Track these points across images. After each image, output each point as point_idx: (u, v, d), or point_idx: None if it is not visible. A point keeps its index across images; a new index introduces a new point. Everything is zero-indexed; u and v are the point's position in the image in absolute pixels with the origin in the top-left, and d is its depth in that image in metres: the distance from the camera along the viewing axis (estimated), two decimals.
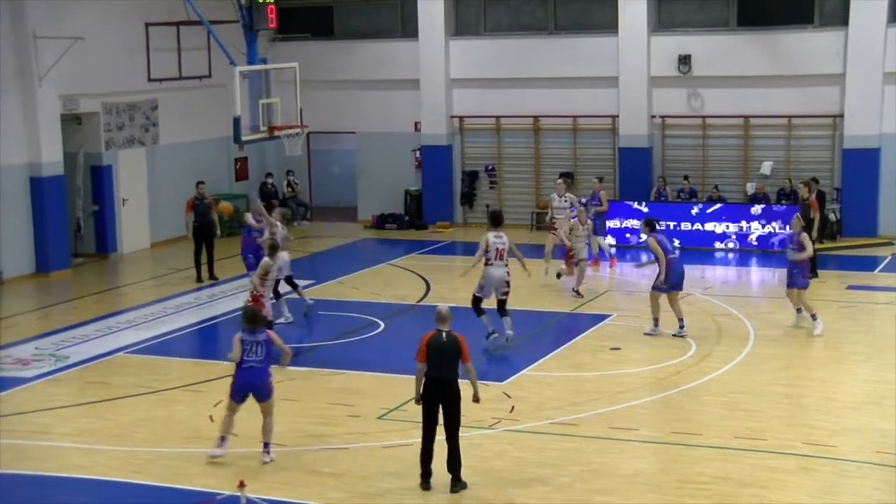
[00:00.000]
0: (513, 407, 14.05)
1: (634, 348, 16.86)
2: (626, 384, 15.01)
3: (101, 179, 24.74)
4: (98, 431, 13.55)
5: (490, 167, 27.88)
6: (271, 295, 16.65)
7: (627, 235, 24.37)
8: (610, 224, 24.32)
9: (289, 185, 29.28)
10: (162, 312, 19.67)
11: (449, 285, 20.74)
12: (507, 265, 16.50)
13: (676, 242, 23.17)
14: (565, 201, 21.28)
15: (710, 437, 12.87)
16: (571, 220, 20.72)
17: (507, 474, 11.99)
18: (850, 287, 20.43)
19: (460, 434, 11.58)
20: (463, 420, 11.65)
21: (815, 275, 18.14)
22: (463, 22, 27.92)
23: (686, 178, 25.71)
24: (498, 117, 27.56)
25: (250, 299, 16.01)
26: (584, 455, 12.40)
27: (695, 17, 26.20)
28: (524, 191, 27.63)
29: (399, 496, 11.43)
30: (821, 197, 23.32)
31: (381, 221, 28.09)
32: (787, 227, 21.16)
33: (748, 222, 23.92)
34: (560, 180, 22.27)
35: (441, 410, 11.45)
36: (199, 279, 21.94)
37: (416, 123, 28.17)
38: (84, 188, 24.58)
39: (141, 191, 25.75)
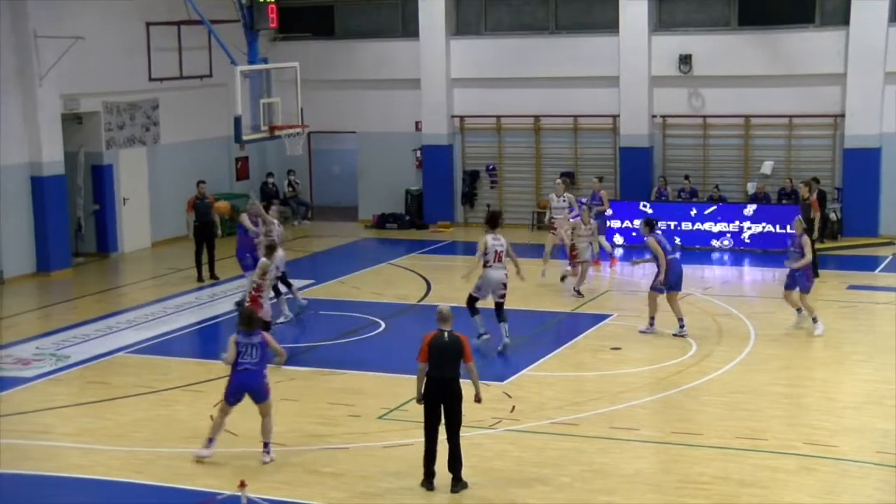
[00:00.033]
0: (513, 407, 14.05)
1: (635, 348, 16.86)
2: (627, 384, 15.01)
3: (101, 179, 24.75)
4: (98, 431, 13.55)
5: (491, 167, 27.88)
6: (271, 294, 16.61)
7: (634, 234, 24.36)
8: (616, 224, 24.35)
9: (290, 184, 29.28)
10: (162, 312, 19.68)
11: (450, 285, 20.73)
12: (505, 267, 16.50)
13: (678, 240, 23.38)
14: (564, 201, 21.26)
15: (710, 437, 12.86)
16: (573, 219, 20.71)
17: (507, 474, 11.99)
18: (851, 287, 20.42)
19: (461, 434, 11.58)
20: (463, 420, 11.64)
21: (815, 274, 18.11)
22: (464, 21, 27.91)
23: (687, 177, 25.71)
24: (499, 117, 27.56)
25: (248, 300, 16.01)
26: (584, 455, 12.40)
27: (695, 17, 26.19)
28: (525, 190, 27.63)
29: (399, 496, 11.42)
30: (821, 197, 23.33)
31: (381, 221, 28.08)
32: (788, 227, 21.18)
33: (742, 222, 23.90)
34: (559, 180, 22.25)
35: (442, 410, 11.45)
36: (199, 279, 21.95)
37: (416, 123, 28.17)
38: (85, 188, 24.59)
39: (142, 190, 25.76)
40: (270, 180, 29.08)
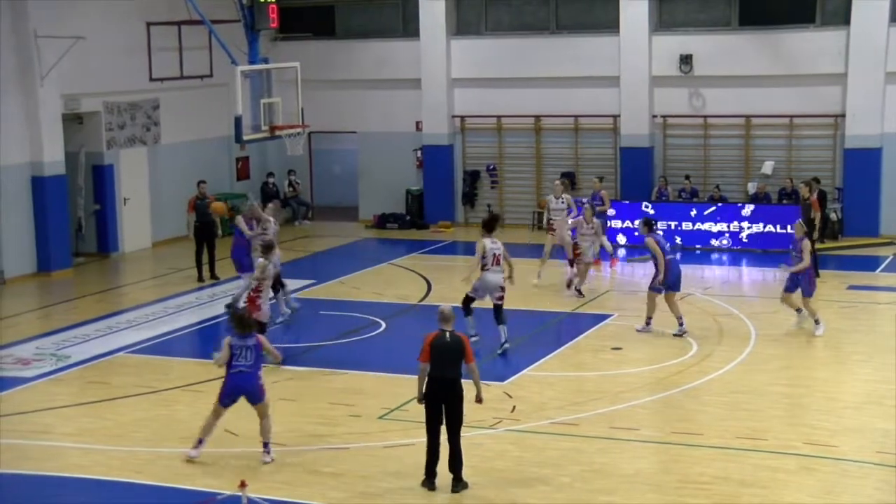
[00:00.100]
0: (514, 407, 14.05)
1: (635, 348, 16.86)
2: (627, 384, 15.01)
3: (102, 179, 24.75)
4: (98, 431, 13.55)
5: (491, 167, 27.88)
6: (270, 294, 16.57)
7: (636, 234, 24.33)
8: (618, 224, 24.33)
9: (290, 184, 29.28)
10: (163, 312, 19.67)
11: (450, 285, 20.72)
12: (503, 270, 16.51)
13: (678, 240, 23.38)
14: (562, 203, 21.20)
15: (711, 437, 12.86)
16: (574, 218, 20.70)
17: (508, 474, 11.99)
18: (851, 287, 20.42)
19: (461, 434, 11.57)
20: (464, 420, 11.63)
21: (816, 275, 18.11)
22: (464, 21, 27.91)
23: (687, 177, 25.71)
24: (499, 117, 27.56)
25: (246, 301, 16.00)
26: (585, 455, 12.40)
27: (696, 17, 26.19)
28: (525, 190, 27.62)
29: (400, 496, 11.42)
30: (822, 197, 23.33)
31: (382, 221, 28.08)
32: (789, 227, 21.19)
33: (742, 222, 23.90)
34: (558, 182, 22.19)
35: (443, 410, 11.45)
36: (200, 279, 21.95)
37: (417, 123, 28.17)
38: (85, 187, 24.60)
39: (142, 190, 25.76)
40: (271, 180, 29.09)
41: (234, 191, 28.18)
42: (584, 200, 22.67)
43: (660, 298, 17.35)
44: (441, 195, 28.02)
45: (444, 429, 11.49)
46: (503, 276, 16.44)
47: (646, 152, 26.28)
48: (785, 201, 24.44)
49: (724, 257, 23.74)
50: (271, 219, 19.40)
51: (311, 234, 27.74)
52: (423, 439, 11.65)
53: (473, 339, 16.30)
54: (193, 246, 22.18)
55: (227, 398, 12.25)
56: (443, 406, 11.42)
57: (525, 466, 12.16)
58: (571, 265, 21.02)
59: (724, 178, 25.93)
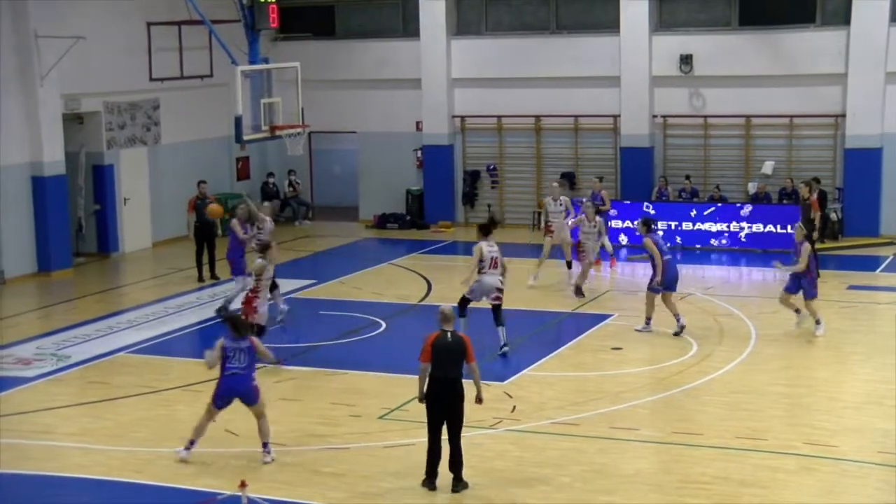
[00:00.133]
0: (514, 407, 14.05)
1: (635, 348, 16.86)
2: (628, 384, 15.01)
3: (102, 179, 24.75)
4: (99, 431, 13.56)
5: (491, 167, 27.88)
6: (268, 295, 16.52)
7: (638, 234, 24.31)
8: (618, 224, 24.32)
9: (290, 184, 29.28)
10: (163, 312, 19.67)
11: (450, 285, 20.70)
12: (500, 273, 16.53)
13: (678, 240, 23.37)
14: (560, 205, 21.15)
15: (711, 437, 12.86)
16: (574, 218, 20.66)
17: (508, 474, 11.99)
18: (852, 287, 20.42)
19: (462, 434, 11.57)
20: (464, 420, 11.63)
21: (817, 274, 18.10)
22: (464, 21, 27.91)
23: (688, 177, 25.71)
24: (499, 117, 27.56)
25: (243, 302, 15.99)
26: (585, 455, 12.40)
27: (696, 17, 26.19)
28: (525, 191, 27.62)
29: (400, 496, 11.43)
30: (822, 197, 23.33)
31: (382, 221, 28.08)
32: (790, 227, 21.18)
33: (742, 222, 23.91)
34: (556, 183, 22.13)
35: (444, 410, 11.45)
36: (200, 279, 21.94)
37: (417, 123, 28.17)
38: (86, 187, 24.59)
39: (142, 190, 25.76)
40: (271, 180, 29.10)
41: (235, 191, 28.17)
42: (584, 200, 22.69)
43: (658, 298, 17.35)
44: (441, 195, 28.02)
45: (444, 429, 11.49)
46: (500, 279, 16.47)
47: (646, 152, 26.28)
48: (785, 201, 24.44)
49: (725, 257, 23.73)
50: (267, 218, 19.41)
51: (312, 234, 27.74)
52: (424, 439, 11.66)
53: None
54: (194, 246, 22.17)
55: (220, 400, 12.25)
56: (445, 406, 11.41)
57: (525, 466, 12.16)
58: (570, 267, 21.01)
59: (724, 178, 25.93)
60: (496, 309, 16.39)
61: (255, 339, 12.41)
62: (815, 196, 21.52)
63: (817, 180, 23.07)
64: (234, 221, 19.24)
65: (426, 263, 23.41)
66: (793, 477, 11.74)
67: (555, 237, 20.91)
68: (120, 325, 18.88)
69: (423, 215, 28.06)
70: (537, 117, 27.26)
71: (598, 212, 21.20)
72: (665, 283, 17.26)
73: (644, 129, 26.21)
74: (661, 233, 17.99)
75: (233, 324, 12.36)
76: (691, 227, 24.22)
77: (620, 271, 22.38)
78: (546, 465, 12.15)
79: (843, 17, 24.77)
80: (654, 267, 17.29)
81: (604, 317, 18.55)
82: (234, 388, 12.17)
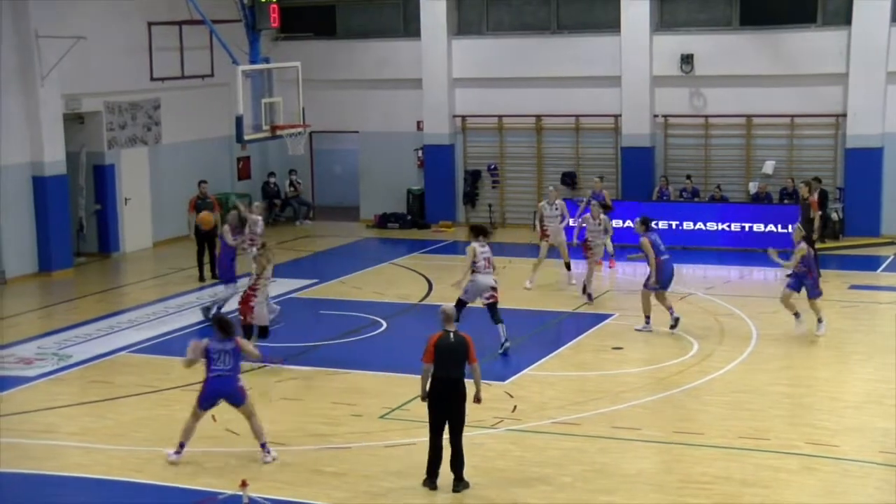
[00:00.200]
0: (515, 406, 14.05)
1: (636, 348, 16.87)
2: (628, 384, 15.01)
3: (103, 179, 24.76)
4: (100, 430, 13.56)
5: (492, 166, 27.87)
6: (267, 295, 16.48)
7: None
8: (619, 223, 24.29)
9: (291, 184, 29.28)
10: (164, 312, 19.67)
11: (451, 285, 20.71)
12: (493, 272, 16.56)
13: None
14: (556, 209, 21.08)
15: (712, 437, 12.86)
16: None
17: (509, 474, 11.99)
18: (853, 287, 20.42)
19: (463, 434, 11.57)
20: (466, 420, 11.63)
21: (818, 274, 18.09)
22: (465, 21, 27.91)
23: (688, 177, 25.70)
24: (500, 117, 27.56)
25: (240, 302, 15.98)
26: (586, 455, 12.40)
27: (697, 17, 26.19)
28: (526, 190, 27.60)
29: (402, 495, 11.43)
30: (823, 196, 23.32)
31: (383, 221, 28.08)
32: (790, 226, 21.14)
33: (743, 222, 23.91)
34: (552, 188, 22.04)
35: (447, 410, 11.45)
36: (201, 279, 21.94)
37: (418, 123, 28.17)
38: (86, 187, 24.60)
39: (143, 190, 25.77)
40: (272, 180, 29.11)
41: (236, 190, 28.18)
42: (584, 199, 22.73)
43: (652, 296, 17.40)
44: (442, 195, 28.02)
45: (445, 428, 11.49)
46: (494, 279, 16.51)
47: (647, 152, 26.27)
48: (786, 201, 24.43)
49: (726, 257, 23.72)
50: (258, 218, 19.41)
51: (313, 233, 27.74)
52: (424, 439, 11.66)
53: None
54: (194, 246, 22.17)
55: (206, 402, 12.25)
56: (447, 406, 11.40)
57: (526, 466, 12.16)
58: (568, 268, 20.98)
59: (725, 177, 25.92)
60: (492, 307, 16.41)
61: (240, 340, 12.37)
62: (815, 196, 21.50)
63: (818, 180, 23.06)
64: (226, 227, 19.13)
65: (427, 263, 23.41)
66: (794, 477, 11.74)
67: (551, 240, 20.89)
68: (121, 324, 18.88)
69: (423, 215, 28.06)
70: (538, 117, 27.26)
71: (605, 207, 21.10)
72: (660, 282, 17.30)
73: (645, 128, 26.21)
74: (654, 233, 17.92)
75: (219, 325, 12.35)
76: (692, 227, 24.22)
77: (621, 271, 22.36)
78: (547, 464, 12.14)
79: (843, 16, 24.76)
80: (649, 266, 17.35)
81: (604, 316, 18.55)
82: (220, 389, 12.17)
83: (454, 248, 25.29)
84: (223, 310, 17.79)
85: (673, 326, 17.29)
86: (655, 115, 26.27)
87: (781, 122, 25.37)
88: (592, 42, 26.55)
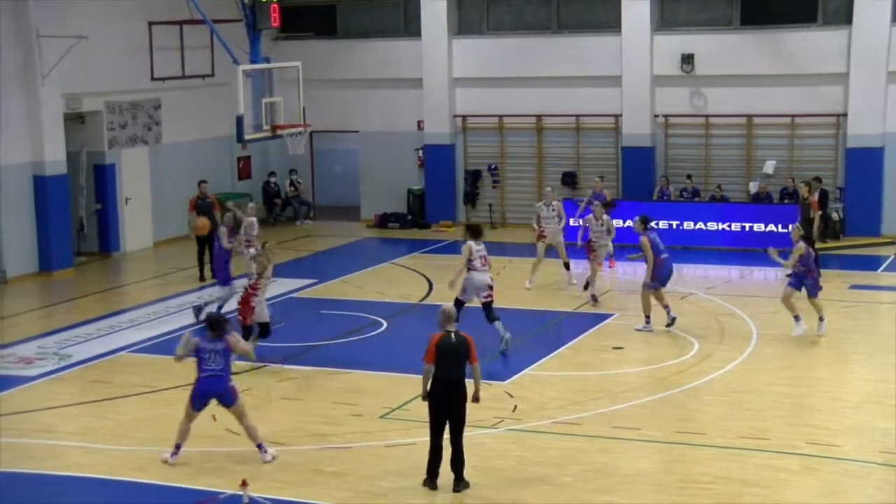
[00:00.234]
0: (515, 406, 14.04)
1: (636, 348, 16.87)
2: (629, 384, 15.01)
3: (104, 178, 24.77)
4: (100, 430, 13.56)
5: (493, 166, 27.88)
6: (266, 295, 16.45)
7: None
8: (620, 223, 24.26)
9: (292, 184, 29.29)
10: (164, 311, 19.68)
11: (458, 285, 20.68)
12: (489, 270, 16.60)
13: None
14: (553, 210, 21.04)
15: (713, 437, 12.86)
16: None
17: (509, 474, 11.99)
18: (853, 287, 20.41)
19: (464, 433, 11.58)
20: (466, 420, 11.63)
21: (818, 274, 18.08)
22: (466, 21, 27.91)
23: (689, 177, 25.70)
24: (501, 116, 27.56)
25: (240, 301, 15.96)
26: (586, 455, 12.40)
27: (698, 16, 26.19)
28: (527, 190, 27.60)
29: (402, 495, 11.43)
30: (824, 196, 23.32)
31: (383, 221, 28.08)
32: (790, 226, 21.12)
33: (744, 222, 23.91)
34: (549, 189, 22.01)
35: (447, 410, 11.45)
36: (201, 278, 21.94)
37: (418, 122, 28.17)
38: (87, 187, 24.60)
39: (144, 190, 25.77)
40: (273, 180, 29.11)
41: (236, 190, 28.19)
42: (584, 199, 22.73)
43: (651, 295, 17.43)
44: (442, 195, 28.03)
45: (445, 428, 11.49)
46: (490, 276, 16.54)
47: (647, 152, 26.27)
48: (787, 201, 24.43)
49: (726, 257, 23.71)
50: (253, 219, 19.42)
51: (313, 233, 27.74)
52: (425, 438, 11.66)
53: None
54: (195, 245, 22.18)
55: (198, 401, 12.25)
56: (448, 406, 11.40)
57: (526, 466, 12.16)
58: (567, 268, 20.96)
59: (725, 177, 25.92)
60: (487, 306, 16.43)
61: (231, 339, 12.32)
62: (815, 196, 21.50)
63: (819, 180, 23.06)
64: (222, 230, 19.12)
65: (427, 263, 23.41)
66: (795, 477, 11.73)
67: (548, 240, 20.88)
68: (121, 324, 18.89)
69: (424, 215, 28.06)
70: (538, 117, 27.26)
71: (608, 205, 21.07)
72: (659, 280, 17.36)
73: (645, 128, 26.21)
74: (653, 231, 17.93)
75: (210, 324, 12.35)
76: (693, 227, 24.22)
77: (621, 271, 22.35)
78: (547, 464, 12.14)
79: (844, 16, 24.76)
80: (647, 265, 17.37)
81: (604, 316, 18.55)
82: (211, 389, 12.18)
83: (455, 248, 25.24)
84: (222, 311, 17.78)
85: (669, 325, 17.33)
86: (656, 115, 26.27)
87: (782, 121, 25.37)
88: (593, 42, 26.55)
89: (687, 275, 21.47)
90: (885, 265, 22.36)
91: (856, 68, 24.45)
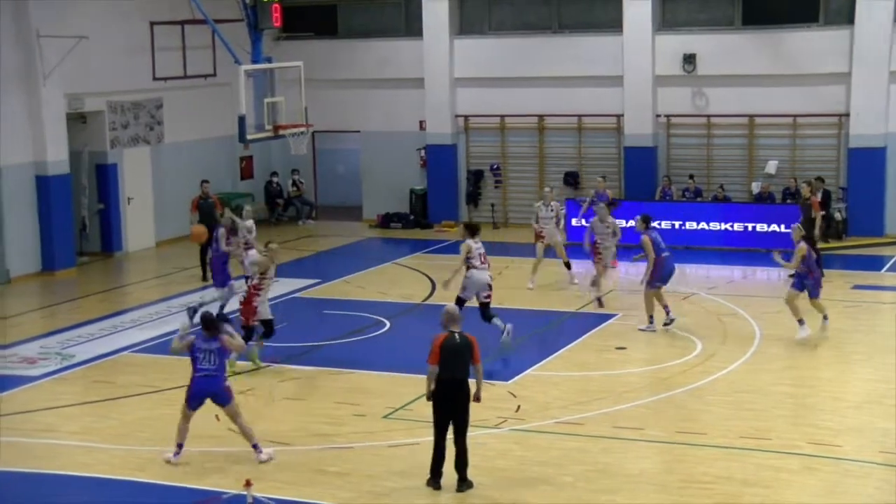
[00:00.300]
0: (518, 406, 14.05)
1: (639, 348, 16.87)
2: (631, 384, 15.01)
3: (106, 178, 24.79)
4: (103, 430, 13.57)
5: (495, 166, 27.88)
6: (270, 296, 16.45)
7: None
8: (623, 223, 24.24)
9: (294, 184, 29.30)
10: (167, 311, 19.68)
11: (454, 284, 20.67)
12: (489, 268, 16.64)
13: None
14: (551, 210, 21.02)
15: (714, 437, 12.86)
16: (591, 218, 20.55)
17: (512, 473, 11.99)
18: (856, 287, 20.41)
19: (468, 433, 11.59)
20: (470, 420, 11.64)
21: (820, 274, 18.08)
22: (467, 21, 27.91)
23: (691, 177, 25.70)
24: (502, 116, 27.56)
25: (242, 302, 15.97)
26: (588, 455, 12.40)
27: (699, 16, 26.19)
28: (529, 190, 27.58)
29: (405, 495, 11.43)
30: (826, 196, 23.31)
31: (386, 220, 28.09)
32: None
33: (744, 222, 23.91)
34: (548, 189, 22.01)
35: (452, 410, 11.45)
36: (204, 278, 21.90)
37: (420, 122, 28.17)
38: (89, 187, 24.62)
39: (146, 189, 25.79)
40: (275, 180, 29.13)
41: (238, 190, 28.20)
42: (586, 199, 22.71)
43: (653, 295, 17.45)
44: (445, 195, 28.03)
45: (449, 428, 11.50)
46: (490, 275, 16.58)
47: (649, 152, 26.27)
48: (789, 201, 24.42)
49: (729, 257, 23.71)
50: (251, 222, 19.44)
51: (315, 233, 27.75)
52: (428, 438, 11.67)
53: None
54: (197, 246, 22.15)
55: (193, 401, 12.26)
56: (453, 407, 11.40)
57: (529, 466, 12.16)
58: (568, 267, 20.95)
59: (727, 177, 25.92)
60: (485, 306, 16.44)
61: (224, 338, 12.33)
62: (817, 196, 21.49)
63: (821, 180, 23.06)
64: (221, 231, 19.10)
65: (430, 263, 23.41)
66: (795, 477, 11.74)
67: (546, 241, 20.88)
68: (124, 324, 18.90)
69: (426, 215, 28.07)
70: (540, 117, 27.27)
71: (612, 204, 21.05)
72: (661, 278, 17.41)
73: (647, 128, 26.21)
74: (654, 231, 17.94)
75: (204, 324, 12.36)
76: (695, 227, 24.22)
77: (624, 271, 22.35)
78: (549, 464, 12.15)
79: (846, 16, 24.76)
80: (648, 264, 17.39)
81: (607, 316, 18.55)
82: (206, 388, 12.19)
83: (457, 248, 25.18)
84: (224, 311, 17.78)
85: (667, 324, 17.35)
86: (658, 115, 26.26)
87: (784, 121, 25.36)
88: (594, 42, 26.55)
89: (689, 275, 21.48)
90: (888, 265, 22.35)
91: (858, 68, 24.44)
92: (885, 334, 17.16)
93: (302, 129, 21.28)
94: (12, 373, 16.09)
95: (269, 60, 21.35)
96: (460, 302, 16.45)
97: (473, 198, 27.98)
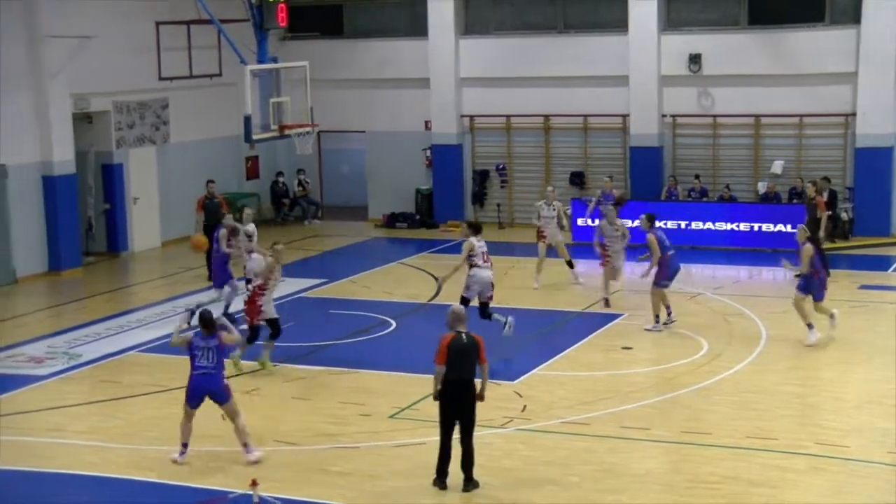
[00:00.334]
0: (524, 406, 14.05)
1: (645, 348, 16.86)
2: (637, 384, 15.01)
3: (112, 178, 24.81)
4: (110, 430, 13.60)
5: (501, 166, 27.88)
6: (274, 296, 16.44)
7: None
8: (628, 223, 24.23)
9: (300, 183, 29.32)
10: (172, 311, 19.67)
11: (460, 285, 20.66)
12: (492, 267, 16.68)
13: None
14: (553, 210, 21.00)
15: (720, 437, 12.86)
16: (590, 216, 20.53)
17: (518, 473, 11.99)
18: (863, 287, 20.37)
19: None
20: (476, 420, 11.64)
21: (827, 273, 18.06)
22: (472, 21, 27.91)
23: (697, 177, 25.68)
24: (508, 116, 27.55)
25: (246, 302, 15.96)
26: (595, 454, 12.40)
27: (705, 16, 26.16)
28: (535, 190, 27.50)
29: (410, 495, 11.44)
30: (833, 196, 23.27)
31: (391, 220, 28.09)
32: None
33: (753, 222, 23.90)
34: (550, 188, 22.00)
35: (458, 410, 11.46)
36: (209, 278, 21.92)
37: (426, 122, 28.18)
38: (95, 187, 24.65)
39: (152, 189, 25.82)
40: (280, 179, 29.15)
41: (244, 190, 28.22)
42: (592, 199, 22.71)
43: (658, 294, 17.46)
44: (450, 194, 28.04)
45: (456, 428, 11.50)
46: (492, 273, 16.55)
47: (655, 152, 26.26)
48: (795, 201, 24.38)
49: (735, 257, 23.69)
50: (251, 226, 19.45)
51: (321, 233, 27.77)
52: (433, 438, 11.68)
53: None
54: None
55: (193, 399, 12.28)
56: (459, 407, 11.40)
57: (535, 466, 12.17)
58: (571, 266, 20.94)
59: (733, 177, 25.89)
60: (484, 306, 16.46)
61: (222, 335, 12.33)
62: (823, 196, 21.45)
63: (827, 180, 23.03)
64: (222, 231, 19.11)
65: (435, 263, 23.40)
66: (802, 477, 11.73)
67: (548, 240, 20.87)
68: (130, 324, 18.93)
69: (432, 215, 28.08)
70: (546, 117, 27.25)
71: (620, 202, 20.99)
72: (667, 277, 17.46)
73: (653, 128, 26.19)
74: (658, 229, 17.95)
75: (202, 322, 12.37)
76: (701, 227, 24.20)
77: (629, 271, 22.31)
78: (555, 464, 12.15)
79: (852, 15, 24.72)
80: (652, 263, 17.39)
81: (613, 316, 18.54)
82: (204, 386, 12.21)
83: (462, 248, 25.25)
84: (229, 311, 17.81)
85: (667, 323, 17.40)
86: (663, 115, 26.25)
87: (790, 121, 25.33)
88: (600, 42, 26.53)
89: (695, 275, 21.46)
90: (895, 265, 22.31)
91: (864, 68, 24.40)
92: (892, 334, 17.12)
93: (308, 129, 21.27)
94: (19, 372, 16.12)
95: (274, 60, 21.33)
96: (464, 301, 16.46)
97: (479, 198, 27.98)
